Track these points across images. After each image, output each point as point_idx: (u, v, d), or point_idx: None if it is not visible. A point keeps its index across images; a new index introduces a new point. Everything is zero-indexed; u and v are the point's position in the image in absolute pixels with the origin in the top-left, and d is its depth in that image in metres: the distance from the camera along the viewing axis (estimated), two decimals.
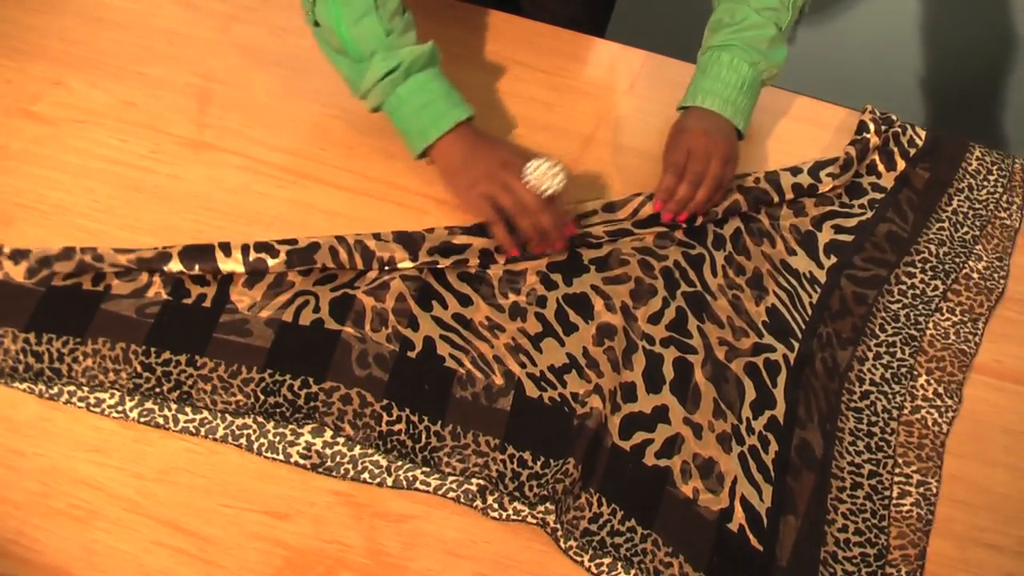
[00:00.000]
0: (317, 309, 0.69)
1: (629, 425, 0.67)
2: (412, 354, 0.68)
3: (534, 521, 0.63)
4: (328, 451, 0.65)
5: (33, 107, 0.81)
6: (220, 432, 0.65)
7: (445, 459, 0.65)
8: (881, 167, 0.85)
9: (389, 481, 0.64)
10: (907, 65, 1.94)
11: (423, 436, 0.66)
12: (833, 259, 0.79)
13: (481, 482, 0.64)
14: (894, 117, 0.87)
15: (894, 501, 0.67)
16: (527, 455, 0.65)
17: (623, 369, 0.69)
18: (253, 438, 0.65)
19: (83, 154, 0.79)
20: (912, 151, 0.86)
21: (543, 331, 0.71)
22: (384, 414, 0.66)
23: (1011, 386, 0.74)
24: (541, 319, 0.72)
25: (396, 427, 0.65)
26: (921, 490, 0.67)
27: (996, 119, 1.88)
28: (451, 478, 0.65)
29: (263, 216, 0.76)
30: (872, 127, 0.85)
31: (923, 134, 0.87)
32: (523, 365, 0.69)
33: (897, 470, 0.68)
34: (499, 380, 0.68)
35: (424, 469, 0.65)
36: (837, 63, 1.90)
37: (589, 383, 0.69)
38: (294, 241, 0.71)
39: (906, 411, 0.72)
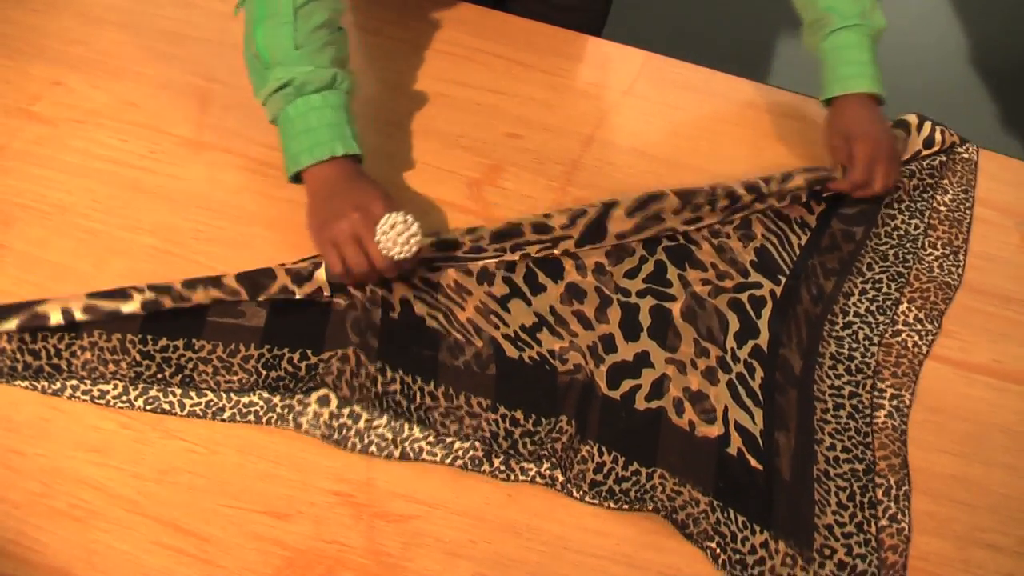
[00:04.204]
0: None
1: (615, 374, 0.69)
2: (394, 315, 0.70)
3: (542, 481, 0.64)
4: (335, 423, 0.65)
5: (33, 107, 0.81)
6: (227, 413, 0.65)
7: (440, 419, 0.66)
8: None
9: (396, 453, 0.65)
10: (913, 66, 1.93)
11: (417, 396, 0.67)
12: (823, 205, 0.83)
13: (485, 447, 0.66)
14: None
15: (873, 415, 0.70)
16: (518, 414, 0.67)
17: (597, 324, 0.71)
18: (261, 413, 0.66)
19: (83, 154, 0.79)
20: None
21: (509, 293, 0.73)
22: (379, 376, 0.67)
23: (1011, 386, 0.74)
24: (508, 282, 0.73)
25: (392, 387, 0.67)
26: (895, 403, 0.71)
27: (1004, 123, 1.88)
28: (456, 446, 0.66)
29: (263, 216, 0.76)
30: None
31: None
32: (496, 327, 0.70)
33: (876, 387, 0.71)
34: (479, 343, 0.69)
35: (429, 440, 0.66)
36: None
37: (563, 340, 0.70)
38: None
39: (887, 335, 0.75)
